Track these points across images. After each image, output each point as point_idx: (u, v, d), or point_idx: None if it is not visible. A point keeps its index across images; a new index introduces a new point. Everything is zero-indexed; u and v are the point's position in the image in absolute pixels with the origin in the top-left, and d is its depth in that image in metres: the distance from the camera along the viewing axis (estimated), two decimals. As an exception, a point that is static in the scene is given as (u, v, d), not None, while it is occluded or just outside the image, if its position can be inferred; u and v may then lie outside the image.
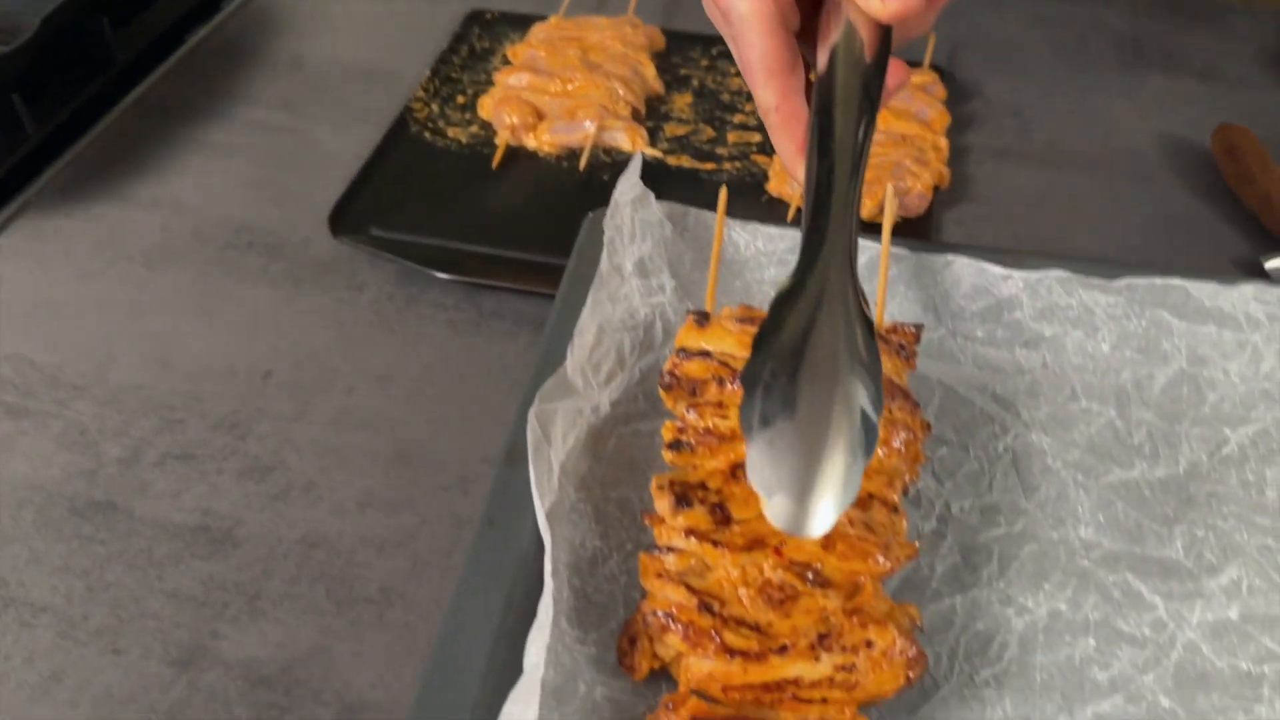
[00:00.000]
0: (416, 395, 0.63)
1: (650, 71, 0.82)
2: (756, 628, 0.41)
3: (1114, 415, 0.53)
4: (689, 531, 0.42)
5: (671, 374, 0.48)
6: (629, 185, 0.54)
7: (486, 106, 0.80)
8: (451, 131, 0.79)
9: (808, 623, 0.41)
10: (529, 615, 0.40)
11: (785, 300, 0.40)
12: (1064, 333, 0.55)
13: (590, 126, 0.77)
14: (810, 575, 0.42)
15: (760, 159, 0.77)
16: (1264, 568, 0.48)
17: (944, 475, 0.50)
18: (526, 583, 0.44)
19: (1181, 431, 0.53)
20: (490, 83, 0.83)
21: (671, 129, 0.80)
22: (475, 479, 0.57)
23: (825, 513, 0.38)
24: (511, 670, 0.39)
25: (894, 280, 0.56)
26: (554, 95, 0.79)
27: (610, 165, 0.77)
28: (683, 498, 0.43)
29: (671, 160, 0.77)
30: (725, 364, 0.48)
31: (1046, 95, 0.85)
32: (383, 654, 0.51)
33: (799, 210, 0.62)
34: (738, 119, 0.81)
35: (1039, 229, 0.73)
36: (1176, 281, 0.55)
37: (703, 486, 0.44)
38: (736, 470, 0.44)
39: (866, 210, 0.71)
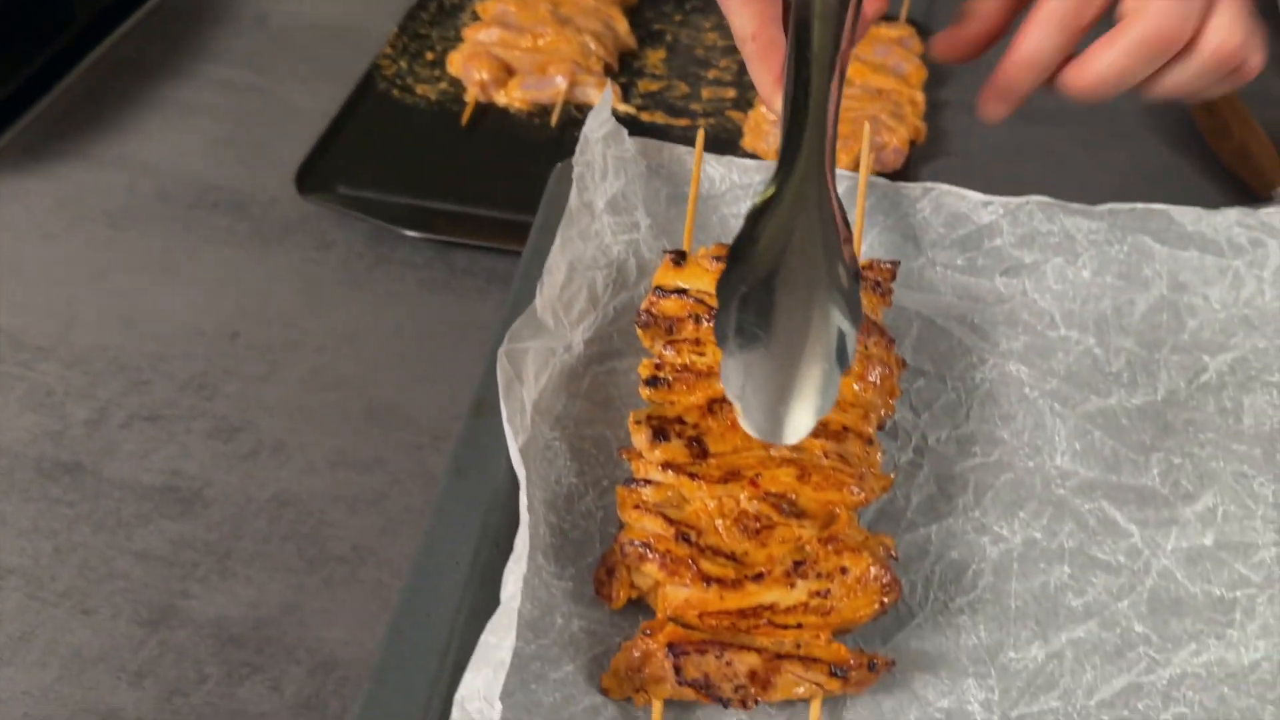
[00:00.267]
0: (387, 354, 0.62)
1: (623, 26, 0.81)
2: (733, 557, 0.40)
3: (1093, 343, 0.53)
4: (666, 465, 0.42)
5: (648, 312, 0.47)
6: (600, 121, 0.53)
7: (456, 63, 0.79)
8: (420, 89, 0.78)
9: (783, 551, 0.40)
10: (505, 553, 0.40)
11: (761, 211, 0.39)
12: (1044, 259, 0.55)
13: (562, 82, 0.76)
14: (786, 506, 0.41)
15: (735, 114, 0.77)
16: (1239, 494, 0.48)
17: (921, 407, 0.50)
18: (501, 520, 0.43)
19: (1160, 359, 0.52)
20: (459, 38, 0.82)
21: (645, 85, 0.79)
22: (447, 437, 0.57)
23: (802, 419, 0.38)
24: (488, 604, 0.38)
25: (872, 210, 0.56)
26: (524, 50, 0.78)
27: (581, 122, 0.75)
28: (660, 432, 0.43)
29: (645, 116, 0.76)
30: (702, 301, 0.47)
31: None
32: (356, 611, 0.51)
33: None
34: (712, 74, 0.80)
35: (1016, 184, 0.72)
36: (1159, 207, 0.55)
37: (680, 421, 0.44)
38: (714, 406, 0.44)
39: (843, 163, 0.71)
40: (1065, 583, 0.45)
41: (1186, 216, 0.55)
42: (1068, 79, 0.46)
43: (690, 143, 0.56)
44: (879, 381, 0.45)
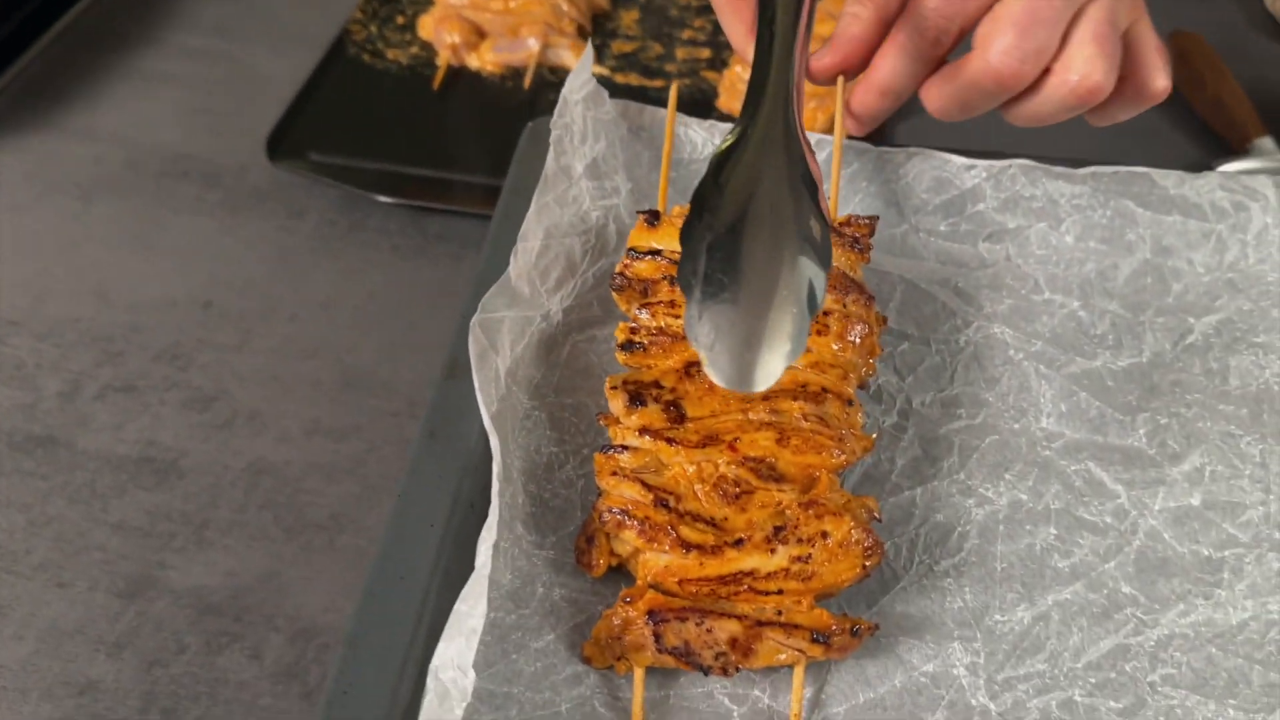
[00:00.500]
0: (362, 321, 0.62)
1: (596, -14, 0.80)
2: (712, 522, 0.40)
3: (1077, 306, 0.52)
4: (643, 430, 0.41)
5: (622, 275, 0.46)
6: (580, 82, 0.51)
7: (426, 26, 0.77)
8: (391, 53, 0.77)
9: (763, 517, 0.40)
10: (479, 515, 0.39)
11: (726, 156, 0.38)
12: (1028, 224, 0.54)
13: (534, 44, 0.75)
14: (765, 470, 0.41)
15: (710, 75, 0.75)
16: (1226, 454, 0.47)
17: (905, 370, 0.49)
18: (474, 483, 0.43)
19: (1145, 321, 0.52)
20: (430, 1, 0.80)
21: (619, 45, 0.78)
22: (424, 403, 0.56)
23: (772, 365, 0.37)
24: (462, 568, 0.38)
25: (855, 176, 0.55)
26: (496, 13, 0.76)
27: (555, 85, 0.75)
28: (636, 397, 0.42)
29: (619, 78, 0.75)
30: (676, 263, 0.46)
31: (1000, 3, 0.84)
32: (334, 579, 0.51)
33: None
34: (686, 35, 0.79)
35: (991, 137, 0.71)
36: (1141, 170, 0.54)
37: (656, 385, 0.43)
38: (690, 369, 0.43)
39: (819, 124, 0.70)
40: (1051, 544, 0.44)
41: (1169, 180, 0.54)
42: (922, 100, 0.48)
43: (665, 104, 0.55)
44: (859, 340, 0.44)
